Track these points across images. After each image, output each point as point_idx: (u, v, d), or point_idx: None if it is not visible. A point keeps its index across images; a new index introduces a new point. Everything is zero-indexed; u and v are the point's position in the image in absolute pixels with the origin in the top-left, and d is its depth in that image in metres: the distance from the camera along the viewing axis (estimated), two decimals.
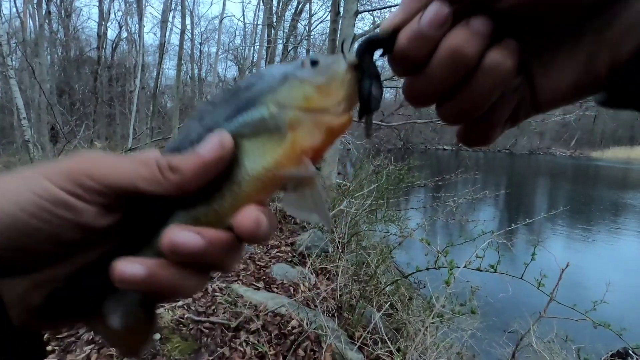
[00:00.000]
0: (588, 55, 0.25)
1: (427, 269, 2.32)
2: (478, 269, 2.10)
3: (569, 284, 1.89)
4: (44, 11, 11.88)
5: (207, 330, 2.24)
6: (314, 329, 2.28)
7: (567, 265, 1.70)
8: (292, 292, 2.94)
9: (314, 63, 0.31)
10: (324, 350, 2.12)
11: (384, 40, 0.29)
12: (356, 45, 0.32)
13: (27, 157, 7.47)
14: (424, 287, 3.66)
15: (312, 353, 2.20)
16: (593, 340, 2.03)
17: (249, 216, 0.26)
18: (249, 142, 0.29)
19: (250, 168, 0.28)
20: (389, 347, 2.21)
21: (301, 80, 0.30)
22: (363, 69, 0.30)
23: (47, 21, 13.08)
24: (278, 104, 0.29)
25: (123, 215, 0.27)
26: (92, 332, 2.01)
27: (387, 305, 2.71)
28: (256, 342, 2.18)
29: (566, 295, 1.93)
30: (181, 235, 0.25)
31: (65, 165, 0.26)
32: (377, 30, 0.31)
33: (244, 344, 2.17)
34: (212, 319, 2.32)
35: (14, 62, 10.66)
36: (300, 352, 2.19)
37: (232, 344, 2.16)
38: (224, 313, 2.42)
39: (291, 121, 0.29)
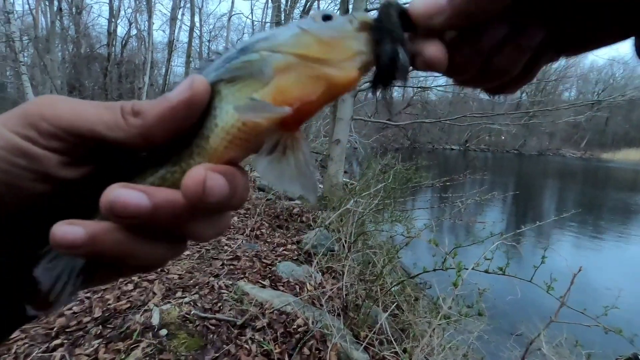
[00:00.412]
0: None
1: (435, 270, 2.31)
2: (486, 271, 2.07)
3: (578, 288, 1.86)
4: (55, 8, 12.02)
5: (213, 327, 2.25)
6: (320, 328, 2.28)
7: (580, 270, 1.67)
8: (298, 290, 2.94)
9: (326, 18, 0.27)
10: (329, 349, 2.12)
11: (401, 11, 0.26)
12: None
13: None
14: (430, 287, 3.64)
15: (317, 352, 2.20)
16: (604, 345, 2.00)
17: (194, 176, 0.22)
18: (225, 88, 0.25)
19: (220, 117, 0.24)
20: (395, 348, 2.20)
21: (304, 30, 0.26)
22: (384, 30, 0.26)
23: (58, 18, 13.25)
24: (271, 49, 0.25)
25: (93, 169, 0.25)
26: (99, 326, 2.04)
27: (393, 306, 2.70)
28: (262, 340, 2.19)
29: (576, 299, 1.90)
30: (123, 194, 0.22)
31: (22, 110, 0.23)
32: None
33: (249, 341, 2.18)
34: (218, 315, 2.34)
35: (26, 59, 10.83)
36: (306, 350, 2.19)
37: (237, 341, 2.17)
38: (230, 310, 2.43)
39: (279, 64, 0.24)
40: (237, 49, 0.26)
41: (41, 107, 0.23)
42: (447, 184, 5.09)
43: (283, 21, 14.77)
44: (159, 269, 2.74)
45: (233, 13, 11.39)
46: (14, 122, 0.22)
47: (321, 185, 5.44)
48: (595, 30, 0.25)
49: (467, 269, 2.05)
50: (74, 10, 18.78)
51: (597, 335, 1.81)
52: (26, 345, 1.80)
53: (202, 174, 0.22)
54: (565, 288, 1.87)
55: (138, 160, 0.25)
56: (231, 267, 3.09)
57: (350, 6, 5.21)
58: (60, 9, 13.55)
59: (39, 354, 1.73)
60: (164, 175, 0.25)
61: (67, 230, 0.22)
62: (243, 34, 24.73)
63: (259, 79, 0.24)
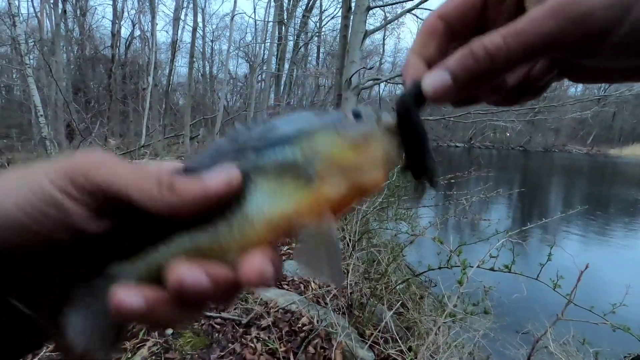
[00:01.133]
0: None
1: (440, 268, 2.29)
2: (492, 269, 2.06)
3: (586, 285, 1.84)
4: (60, 10, 12.11)
5: (218, 326, 2.26)
6: (325, 326, 2.28)
7: (587, 267, 1.65)
8: (303, 289, 2.94)
9: (356, 116, 0.30)
10: (334, 348, 2.11)
11: (416, 95, 0.29)
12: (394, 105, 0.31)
13: (45, 153, 7.66)
14: (435, 285, 3.63)
15: (322, 350, 2.20)
16: (612, 343, 1.98)
17: (255, 266, 0.25)
18: (270, 181, 0.27)
19: (266, 208, 0.27)
20: (400, 346, 2.19)
21: (339, 132, 0.29)
22: (405, 132, 0.30)
23: (63, 20, 13.34)
24: (311, 149, 0.28)
25: (116, 224, 0.26)
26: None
27: (398, 304, 2.69)
28: (267, 338, 2.20)
29: (583, 297, 1.88)
30: (190, 274, 0.24)
31: (67, 163, 0.25)
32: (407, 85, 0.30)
33: (254, 340, 2.18)
34: (223, 314, 2.35)
35: (31, 61, 10.92)
36: (311, 349, 2.20)
37: (243, 340, 2.18)
38: (235, 309, 2.44)
39: (322, 171, 0.28)
40: (276, 135, 0.29)
41: (85, 165, 0.25)
42: (452, 181, 5.06)
43: (285, 20, 14.75)
44: None
45: (236, 12, 11.39)
46: (57, 174, 0.24)
47: None
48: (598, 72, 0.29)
49: (472, 267, 2.03)
50: (78, 12, 18.91)
51: (605, 333, 1.79)
52: None
53: (260, 263, 0.25)
54: (572, 285, 1.85)
55: (159, 222, 0.27)
56: None
57: (353, 4, 5.19)
58: (64, 11, 13.65)
59: (47, 353, 1.75)
60: (198, 246, 0.27)
61: (129, 297, 0.24)
62: (246, 33, 24.77)
63: (302, 181, 0.27)
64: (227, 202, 0.26)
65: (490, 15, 0.30)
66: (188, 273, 0.24)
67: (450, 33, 0.31)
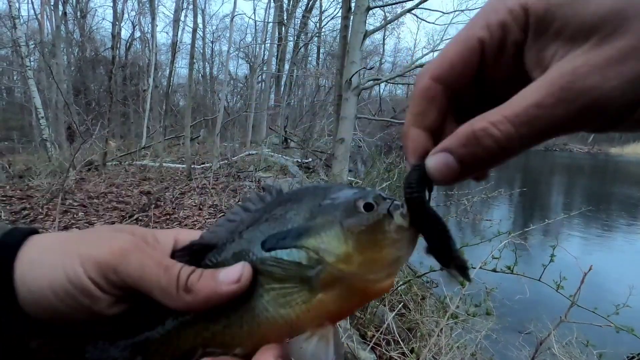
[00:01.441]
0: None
1: (441, 269, 2.28)
2: (494, 270, 2.04)
3: (588, 286, 1.82)
4: (60, 12, 12.13)
5: None
6: None
7: (590, 269, 1.64)
8: None
9: (368, 207, 0.28)
10: None
11: (423, 178, 0.27)
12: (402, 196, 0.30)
13: (45, 155, 7.67)
14: (437, 286, 3.61)
15: None
16: (615, 344, 1.96)
17: None
18: (275, 284, 0.28)
19: (270, 311, 0.28)
20: (402, 348, 2.18)
21: (348, 232, 0.27)
22: (422, 223, 0.28)
23: (63, 22, 13.37)
24: (317, 251, 0.27)
25: (132, 307, 0.30)
26: None
27: (400, 305, 2.68)
28: None
29: (586, 298, 1.86)
30: None
31: (100, 254, 0.28)
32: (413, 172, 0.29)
33: None
34: None
35: (32, 63, 10.94)
36: None
37: None
38: None
39: (326, 279, 0.27)
40: (286, 226, 0.28)
41: (115, 258, 0.28)
42: None
43: (285, 21, 14.76)
44: None
45: (236, 13, 11.41)
46: (92, 267, 0.27)
47: None
48: None
49: (474, 268, 2.02)
50: (78, 14, 18.94)
51: (608, 334, 1.78)
52: None
53: None
54: (574, 286, 1.84)
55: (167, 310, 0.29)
56: None
57: (353, 4, 5.18)
58: (65, 13, 13.67)
59: None
60: (210, 336, 0.29)
61: None
62: (246, 34, 24.78)
63: (305, 288, 0.27)
64: (237, 298, 0.28)
65: (489, 68, 0.27)
66: None
67: (448, 94, 0.28)
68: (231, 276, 0.28)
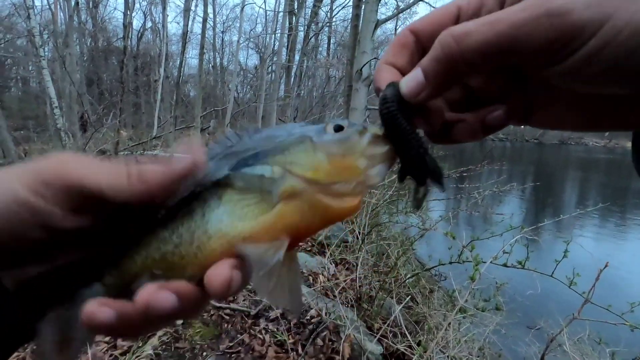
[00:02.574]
0: (597, 115, 0.27)
1: (451, 262, 2.25)
2: (505, 265, 2.01)
3: (601, 282, 1.77)
4: (72, 3, 12.21)
5: (227, 317, 2.28)
6: (333, 319, 2.28)
7: (606, 266, 1.59)
8: (311, 281, 2.94)
9: (338, 129, 0.28)
10: (342, 340, 2.11)
11: (396, 97, 0.27)
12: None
13: (60, 144, 7.80)
14: (445, 279, 3.59)
15: (330, 343, 2.20)
16: (629, 343, 1.92)
17: (220, 275, 0.25)
18: (234, 196, 0.26)
19: (224, 224, 0.26)
20: (409, 341, 2.18)
21: (315, 145, 0.27)
22: (395, 136, 0.27)
23: (76, 12, 13.47)
24: (284, 165, 0.26)
25: (94, 219, 0.27)
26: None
27: (407, 298, 2.67)
28: (275, 330, 2.20)
29: (599, 295, 1.82)
30: (159, 297, 0.25)
31: (39, 165, 0.26)
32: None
33: (263, 331, 2.19)
34: (232, 305, 2.36)
35: (46, 53, 11.07)
36: (319, 341, 2.20)
37: (251, 331, 2.19)
38: (244, 300, 2.45)
39: (286, 190, 0.26)
40: (256, 151, 0.27)
41: (55, 166, 0.26)
42: (464, 174, 4.97)
43: (296, 10, 14.60)
44: None
45: (246, 3, 11.33)
46: (28, 177, 0.25)
47: None
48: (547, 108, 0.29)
49: (485, 263, 1.99)
50: (90, 4, 19.05)
51: (622, 332, 1.74)
52: None
53: (226, 272, 0.25)
54: (588, 282, 1.80)
55: (133, 215, 0.27)
56: None
57: (363, 7, 5.08)
58: (77, 4, 13.74)
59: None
60: (165, 254, 0.27)
61: (99, 311, 0.25)
62: (256, 23, 24.63)
63: (265, 200, 0.26)
64: (191, 210, 0.27)
65: None
66: (155, 294, 0.25)
67: (421, 48, 0.30)
68: (187, 159, 0.27)
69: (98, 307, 0.25)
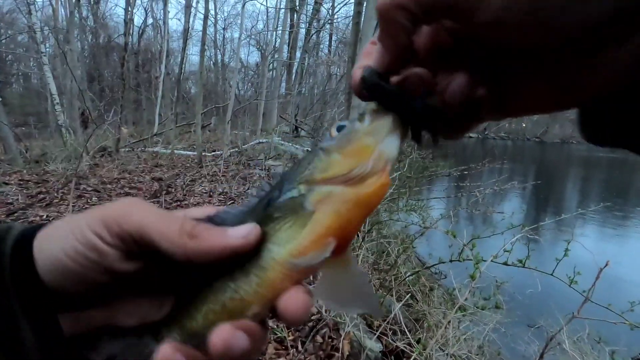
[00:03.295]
0: (567, 87, 0.25)
1: (451, 261, 2.25)
2: (505, 264, 2.01)
3: (601, 281, 1.77)
4: None
5: None
6: (333, 316, 2.28)
7: (607, 265, 1.59)
8: (311, 278, 2.94)
9: (340, 128, 0.29)
10: (342, 338, 2.11)
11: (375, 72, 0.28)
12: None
13: (61, 140, 7.81)
14: (445, 277, 3.59)
15: (330, 340, 2.21)
16: (629, 342, 1.91)
17: (296, 299, 0.26)
18: (276, 225, 0.27)
19: (275, 252, 0.27)
20: (409, 338, 2.18)
21: (326, 150, 0.28)
22: (390, 104, 0.28)
23: (77, 8, 13.44)
24: (307, 180, 0.27)
25: (149, 265, 0.29)
26: None
27: (407, 296, 2.67)
28: (275, 327, 2.21)
29: (599, 294, 1.81)
30: (235, 338, 0.26)
31: (104, 211, 0.29)
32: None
33: None
34: None
35: (47, 49, 11.06)
36: (319, 339, 2.20)
37: None
38: None
39: (315, 197, 0.27)
40: (281, 185, 0.29)
41: (119, 212, 0.28)
42: (465, 172, 4.97)
43: (297, 7, 14.54)
44: None
45: (247, 0, 11.28)
46: (95, 223, 0.28)
47: None
48: (526, 91, 0.28)
49: (485, 261, 1.99)
50: (91, 0, 19.00)
51: (622, 331, 1.73)
52: None
53: (305, 299, 0.27)
54: (588, 281, 1.79)
55: (184, 268, 0.28)
56: None
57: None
58: (78, 0, 13.72)
59: None
60: (225, 303, 0.27)
61: (173, 357, 0.26)
62: (257, 20, 24.54)
63: (301, 215, 0.26)
64: (246, 257, 0.27)
65: None
66: (231, 336, 0.26)
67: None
68: (241, 231, 0.27)
69: (172, 353, 0.26)
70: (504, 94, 0.29)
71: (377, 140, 0.27)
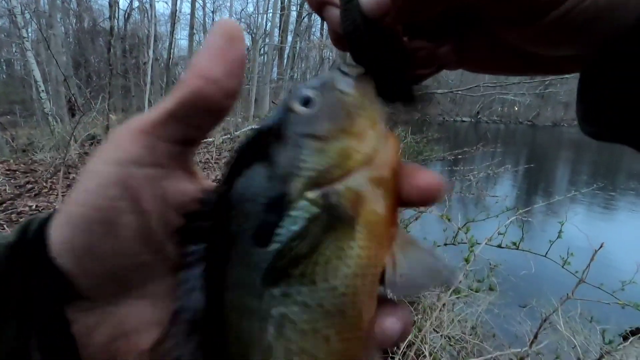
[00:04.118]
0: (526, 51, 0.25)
1: (445, 244, 2.27)
2: (499, 246, 2.03)
3: (594, 262, 1.80)
4: None
5: None
6: None
7: (602, 247, 1.60)
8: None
9: (306, 101, 0.22)
10: None
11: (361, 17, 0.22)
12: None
13: (48, 129, 7.63)
14: None
15: None
16: (619, 321, 1.97)
17: (391, 322, 0.23)
18: (312, 263, 0.20)
19: (344, 287, 0.21)
20: None
21: (318, 137, 0.21)
22: (366, 54, 0.23)
23: None
24: (317, 184, 0.21)
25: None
26: None
27: None
28: None
29: (591, 274, 1.85)
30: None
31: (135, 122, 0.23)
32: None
33: None
34: None
35: (30, 34, 10.67)
36: None
37: None
38: None
39: (347, 197, 0.21)
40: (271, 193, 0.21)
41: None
42: (459, 157, 4.98)
43: None
44: None
45: None
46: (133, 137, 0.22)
47: None
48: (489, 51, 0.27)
49: (479, 244, 2.00)
50: None
51: (612, 310, 1.77)
52: None
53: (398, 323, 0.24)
54: (581, 262, 1.82)
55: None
56: None
57: None
58: None
59: None
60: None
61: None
62: (247, 2, 23.90)
63: (341, 231, 0.21)
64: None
65: None
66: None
67: None
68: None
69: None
70: (463, 50, 0.27)
71: (373, 107, 0.23)
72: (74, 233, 0.21)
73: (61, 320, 0.21)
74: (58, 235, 0.21)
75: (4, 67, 22.01)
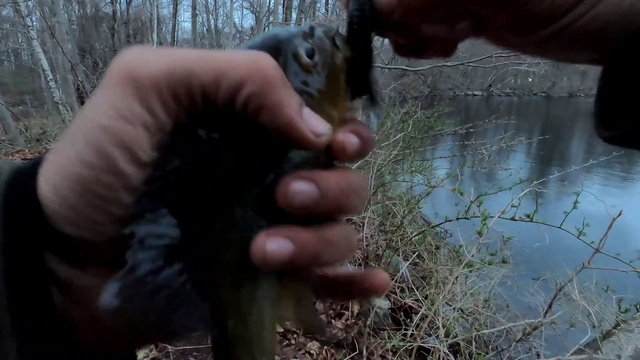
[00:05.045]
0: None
1: (457, 219, 2.25)
2: (513, 219, 2.00)
3: (611, 231, 1.76)
4: None
5: None
6: None
7: (620, 214, 1.56)
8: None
9: (310, 56, 0.22)
10: None
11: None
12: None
13: (59, 117, 7.72)
14: (451, 235, 3.62)
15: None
16: (636, 290, 1.94)
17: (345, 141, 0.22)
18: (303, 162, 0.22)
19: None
20: (416, 295, 2.23)
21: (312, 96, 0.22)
22: (358, 48, 0.24)
23: None
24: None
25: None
26: None
27: (414, 255, 2.71)
28: None
29: (607, 245, 1.81)
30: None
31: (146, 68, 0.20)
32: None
33: None
34: None
35: (34, 23, 10.64)
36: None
37: None
38: None
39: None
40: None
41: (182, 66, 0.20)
42: (471, 130, 4.86)
43: None
44: None
45: None
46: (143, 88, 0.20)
47: None
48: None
49: (492, 217, 1.98)
50: None
51: (629, 280, 1.75)
52: None
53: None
54: (596, 233, 1.79)
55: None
56: None
57: None
58: None
59: None
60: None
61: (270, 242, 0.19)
62: None
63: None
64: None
65: None
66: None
67: None
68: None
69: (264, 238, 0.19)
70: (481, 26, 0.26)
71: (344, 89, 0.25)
72: (70, 181, 0.18)
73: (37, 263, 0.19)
74: (49, 184, 0.19)
75: (12, 57, 22.15)
